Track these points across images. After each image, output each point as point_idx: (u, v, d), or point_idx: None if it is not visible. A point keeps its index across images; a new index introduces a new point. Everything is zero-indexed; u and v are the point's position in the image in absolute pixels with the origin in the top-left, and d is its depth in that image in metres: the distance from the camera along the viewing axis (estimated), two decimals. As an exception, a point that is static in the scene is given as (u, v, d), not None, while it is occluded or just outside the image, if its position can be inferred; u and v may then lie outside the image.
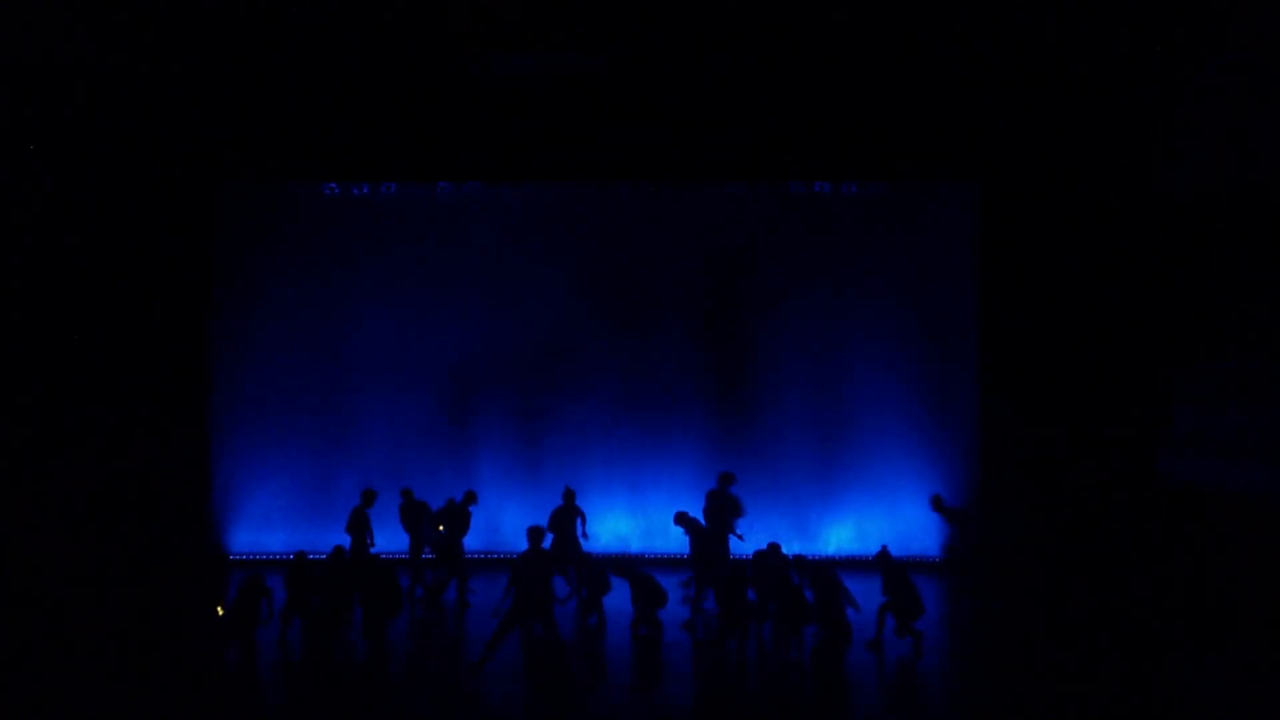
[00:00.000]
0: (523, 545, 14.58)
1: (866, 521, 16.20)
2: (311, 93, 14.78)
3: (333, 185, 15.98)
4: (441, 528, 13.99)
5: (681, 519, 13.49)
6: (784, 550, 12.70)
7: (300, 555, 12.48)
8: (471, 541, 14.45)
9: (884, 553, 12.46)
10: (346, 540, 14.01)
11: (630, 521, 15.86)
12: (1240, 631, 11.07)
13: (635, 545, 16.00)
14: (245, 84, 14.59)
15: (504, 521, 15.61)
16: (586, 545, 14.12)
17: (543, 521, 14.30)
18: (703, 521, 13.67)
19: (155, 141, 15.18)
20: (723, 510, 13.76)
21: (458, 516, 14.02)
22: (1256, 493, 10.07)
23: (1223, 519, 11.69)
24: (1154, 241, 14.13)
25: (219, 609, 11.89)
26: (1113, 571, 14.38)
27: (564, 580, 13.59)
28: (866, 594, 12.20)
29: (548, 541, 14.15)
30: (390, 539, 14.55)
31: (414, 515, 14.28)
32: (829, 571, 11.61)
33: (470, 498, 14.23)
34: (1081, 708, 10.17)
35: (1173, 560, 13.27)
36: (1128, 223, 14.71)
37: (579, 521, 14.06)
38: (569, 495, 14.34)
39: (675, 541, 14.16)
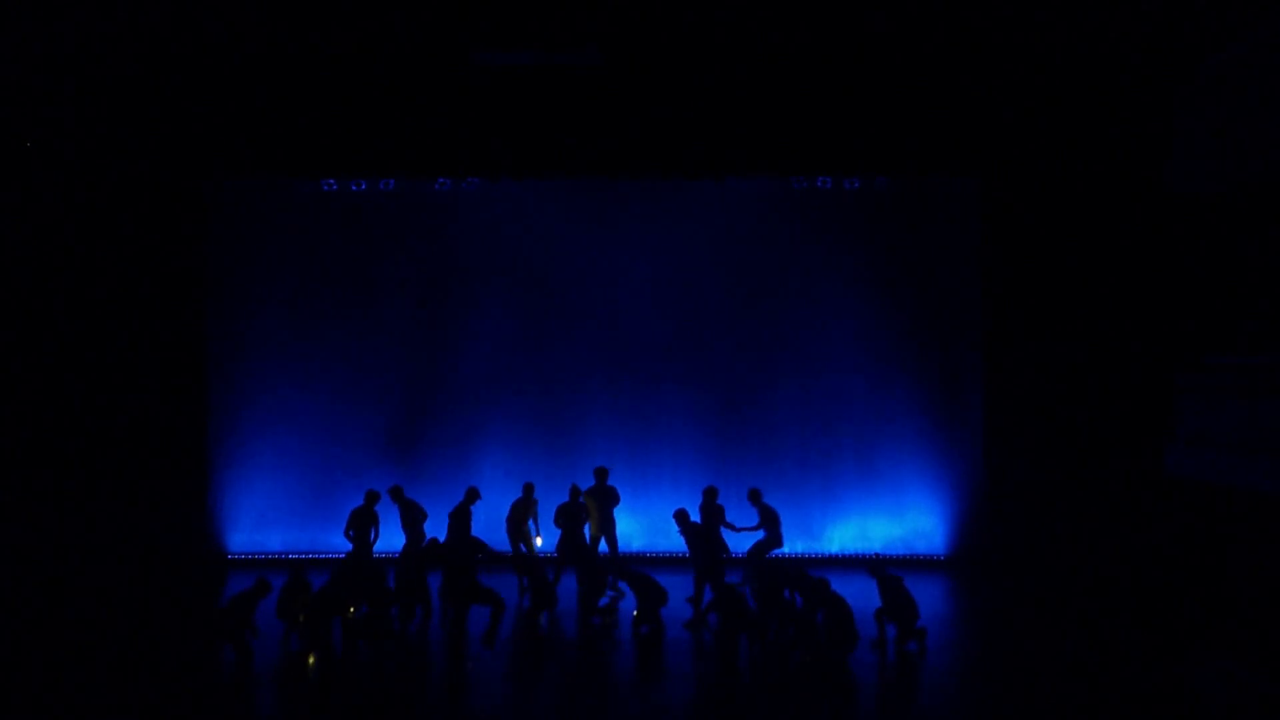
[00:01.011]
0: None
1: (869, 520, 16.10)
2: (309, 88, 14.70)
3: (330, 181, 15.90)
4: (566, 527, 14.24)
5: (678, 517, 13.45)
6: (789, 556, 12.65)
7: (297, 571, 12.26)
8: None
9: (876, 561, 12.42)
10: (343, 540, 13.98)
11: (632, 520, 15.74)
12: (1249, 630, 10.94)
13: (637, 544, 15.91)
14: (241, 80, 14.51)
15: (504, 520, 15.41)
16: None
17: (549, 516, 14.43)
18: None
19: (150, 139, 15.11)
20: (713, 520, 13.68)
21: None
22: (1266, 489, 9.93)
23: (1231, 516, 11.57)
24: (1159, 235, 14.03)
25: (216, 610, 11.79)
26: (1119, 569, 14.27)
27: (575, 579, 13.56)
28: (865, 594, 12.10)
29: (554, 538, 14.20)
30: (389, 539, 14.45)
31: (410, 514, 14.20)
32: (825, 587, 11.50)
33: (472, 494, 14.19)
34: (1088, 707, 10.06)
35: (1180, 558, 13.16)
36: (1132, 216, 14.61)
37: (586, 516, 14.17)
38: (574, 492, 14.34)
39: (678, 540, 14.09)
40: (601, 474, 14.72)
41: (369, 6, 12.58)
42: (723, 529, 13.55)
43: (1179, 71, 12.13)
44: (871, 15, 12.81)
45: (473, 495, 14.08)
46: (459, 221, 16.26)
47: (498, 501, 15.09)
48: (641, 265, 16.24)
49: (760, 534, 13.98)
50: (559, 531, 14.01)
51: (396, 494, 14.31)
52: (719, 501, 13.74)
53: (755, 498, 14.20)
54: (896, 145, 15.19)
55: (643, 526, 15.89)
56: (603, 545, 14.58)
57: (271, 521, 16.14)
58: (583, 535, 14.04)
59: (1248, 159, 10.61)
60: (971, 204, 15.90)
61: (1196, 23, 12.05)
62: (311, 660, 11.28)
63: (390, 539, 14.38)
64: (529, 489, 14.61)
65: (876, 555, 14.83)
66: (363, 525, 13.75)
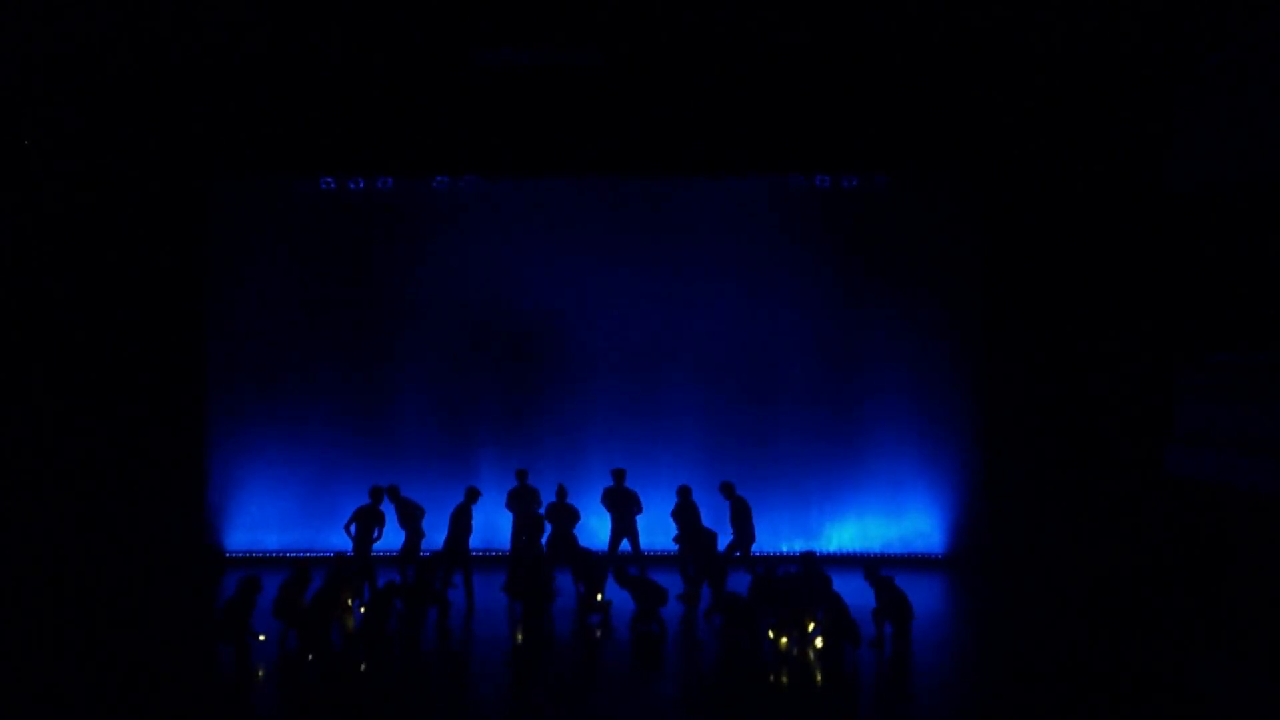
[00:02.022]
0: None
1: (868, 520, 16.09)
2: (307, 86, 14.69)
3: (329, 180, 15.90)
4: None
5: (675, 516, 13.55)
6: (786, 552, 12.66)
7: (301, 568, 12.23)
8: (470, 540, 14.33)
9: (870, 562, 12.45)
10: (343, 539, 13.97)
11: (631, 519, 15.73)
12: (1249, 630, 10.93)
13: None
14: (241, 80, 14.50)
15: (503, 518, 15.41)
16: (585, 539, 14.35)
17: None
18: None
19: (150, 139, 15.10)
20: (692, 517, 13.98)
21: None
22: (1266, 489, 9.92)
23: (1231, 516, 11.55)
24: (1159, 233, 13.99)
25: (214, 608, 11.78)
26: (1118, 569, 14.25)
27: (572, 578, 13.60)
28: (865, 593, 12.11)
29: (545, 537, 14.24)
30: (389, 538, 14.44)
31: (408, 512, 14.19)
32: (826, 586, 11.53)
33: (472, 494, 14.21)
34: (1088, 706, 10.06)
35: (1180, 558, 13.13)
36: (1133, 214, 14.56)
37: (577, 518, 14.35)
38: (561, 492, 14.54)
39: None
40: (619, 476, 14.79)
41: (369, 6, 12.57)
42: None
43: (1179, 71, 12.12)
44: (870, 15, 12.81)
45: (473, 495, 14.14)
46: (458, 220, 16.24)
47: (498, 500, 15.09)
48: (640, 264, 16.21)
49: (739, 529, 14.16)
50: (549, 529, 14.12)
51: (393, 494, 14.32)
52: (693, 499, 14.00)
53: (728, 491, 14.26)
54: (896, 144, 15.18)
55: (641, 526, 15.85)
56: (623, 545, 14.75)
57: (270, 520, 16.13)
58: (573, 534, 14.10)
59: (1248, 159, 10.62)
60: (971, 204, 15.90)
61: (1196, 23, 12.03)
62: (311, 657, 11.28)
63: (390, 538, 14.36)
64: (522, 475, 14.75)
65: (871, 557, 14.87)
66: (366, 523, 13.75)
